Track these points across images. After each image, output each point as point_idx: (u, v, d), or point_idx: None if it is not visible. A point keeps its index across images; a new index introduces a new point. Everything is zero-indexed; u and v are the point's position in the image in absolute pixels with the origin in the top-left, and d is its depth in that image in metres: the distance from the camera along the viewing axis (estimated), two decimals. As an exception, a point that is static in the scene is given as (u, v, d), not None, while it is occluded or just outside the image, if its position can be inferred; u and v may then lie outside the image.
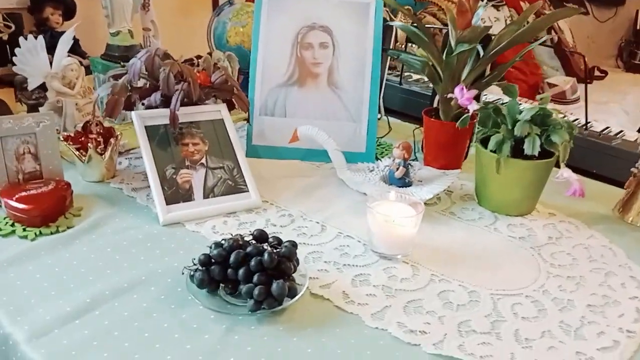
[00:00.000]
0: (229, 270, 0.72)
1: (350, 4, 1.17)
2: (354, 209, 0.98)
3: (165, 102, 0.99)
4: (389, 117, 1.39)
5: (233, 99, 1.06)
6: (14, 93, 1.21)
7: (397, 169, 1.00)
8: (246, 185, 0.97)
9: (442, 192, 1.00)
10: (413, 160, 1.14)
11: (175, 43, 1.73)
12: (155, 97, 1.01)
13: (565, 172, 0.89)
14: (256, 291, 0.68)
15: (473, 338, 0.69)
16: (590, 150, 1.31)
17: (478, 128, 1.01)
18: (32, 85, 1.12)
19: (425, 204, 0.88)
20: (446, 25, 1.07)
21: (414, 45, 1.59)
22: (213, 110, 1.03)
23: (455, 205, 1.01)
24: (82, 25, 1.58)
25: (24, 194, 0.88)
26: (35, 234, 0.85)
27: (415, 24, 1.08)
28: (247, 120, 1.15)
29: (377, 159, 1.17)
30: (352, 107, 1.16)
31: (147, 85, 1.02)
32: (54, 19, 1.53)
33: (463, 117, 0.98)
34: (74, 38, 1.60)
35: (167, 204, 0.91)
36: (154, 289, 0.75)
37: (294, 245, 0.75)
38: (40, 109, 1.12)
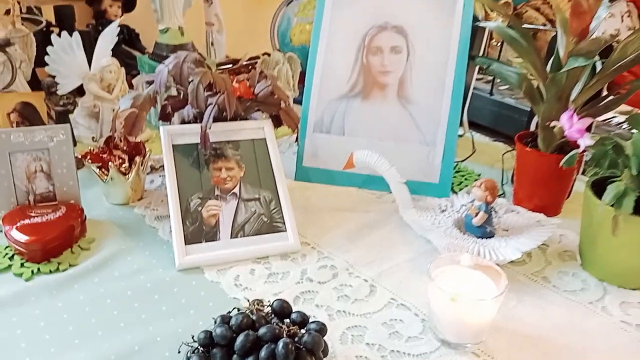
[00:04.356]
0: (235, 357, 0.55)
1: (431, -1, 0.95)
2: (418, 263, 0.77)
3: (201, 116, 0.83)
4: (473, 135, 1.16)
5: (280, 115, 0.89)
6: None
7: (476, 214, 0.78)
8: (284, 223, 0.80)
9: (534, 249, 0.77)
10: (500, 195, 0.92)
11: (243, 39, 1.58)
12: (188, 110, 0.86)
13: None
14: (261, 398, 0.51)
15: None
16: None
17: (590, 165, 0.77)
18: (64, 88, 1.00)
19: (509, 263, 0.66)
20: (553, 23, 0.83)
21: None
22: (255, 128, 0.86)
23: (550, 267, 0.78)
24: (143, 17, 1.48)
25: (27, 221, 0.76)
26: (32, 271, 0.72)
27: (511, 25, 0.85)
28: (296, 140, 0.97)
29: (453, 191, 0.95)
30: (425, 127, 0.95)
31: (182, 96, 0.87)
32: (113, 11, 1.42)
33: (571, 153, 0.74)
34: (134, 32, 1.51)
35: (186, 244, 0.76)
36: (144, 366, 0.60)
37: (321, 329, 0.56)
38: (71, 116, 1.00)
